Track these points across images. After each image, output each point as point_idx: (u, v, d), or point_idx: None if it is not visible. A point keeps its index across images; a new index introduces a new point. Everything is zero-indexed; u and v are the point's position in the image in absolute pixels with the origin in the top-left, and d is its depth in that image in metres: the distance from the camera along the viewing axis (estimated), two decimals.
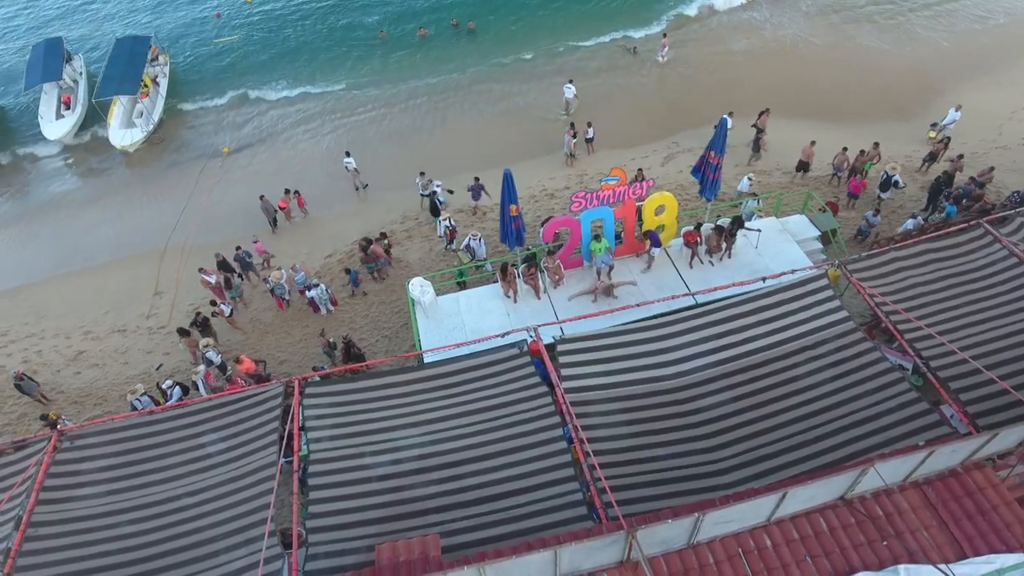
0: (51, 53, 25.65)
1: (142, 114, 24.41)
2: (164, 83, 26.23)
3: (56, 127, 24.53)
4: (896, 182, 18.33)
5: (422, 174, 20.33)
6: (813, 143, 20.23)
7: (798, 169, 20.57)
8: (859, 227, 17.94)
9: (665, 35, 26.90)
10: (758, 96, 23.17)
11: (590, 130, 22.24)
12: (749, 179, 19.02)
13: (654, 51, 26.73)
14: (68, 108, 25.16)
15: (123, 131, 23.97)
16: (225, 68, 27.96)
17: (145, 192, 23.20)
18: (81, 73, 26.49)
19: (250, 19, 30.41)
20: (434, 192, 19.61)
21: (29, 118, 25.84)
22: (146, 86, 25.09)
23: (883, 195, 18.72)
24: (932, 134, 21.44)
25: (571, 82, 24.39)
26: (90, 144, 25.24)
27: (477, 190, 19.87)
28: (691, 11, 29.28)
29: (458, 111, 25.26)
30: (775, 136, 21.76)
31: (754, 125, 21.39)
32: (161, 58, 27.01)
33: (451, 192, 20.11)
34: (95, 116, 25.15)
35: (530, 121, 24.41)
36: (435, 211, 19.56)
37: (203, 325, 16.85)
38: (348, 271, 18.01)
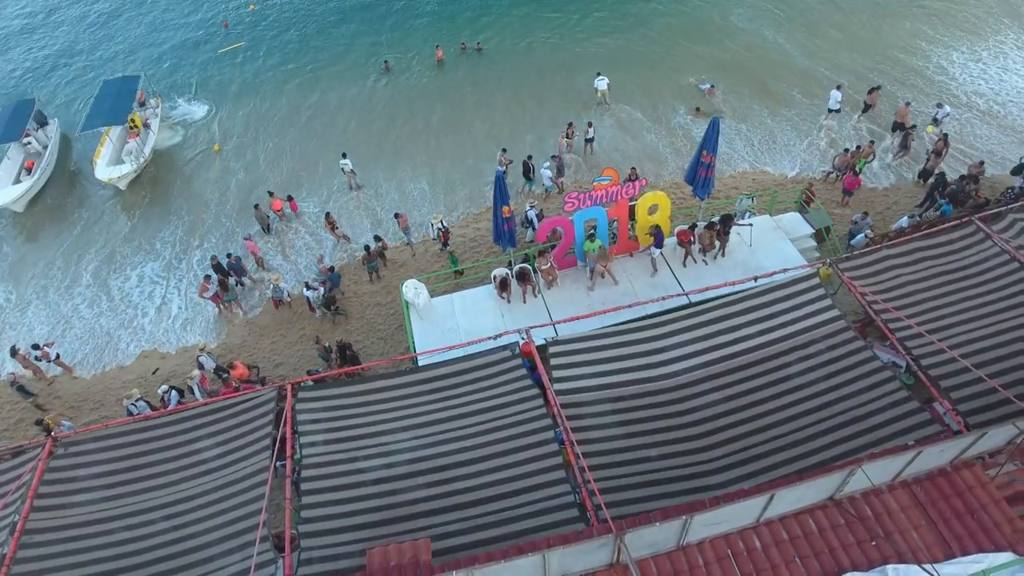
0: (17, 114, 23.91)
1: (131, 152, 23.20)
2: (156, 124, 25.11)
3: (4, 193, 22.21)
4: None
5: (504, 151, 21.37)
6: (908, 104, 21.12)
7: (893, 130, 21.16)
8: (851, 228, 17.86)
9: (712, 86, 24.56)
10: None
11: (591, 130, 22.04)
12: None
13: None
14: (29, 174, 23.03)
15: (110, 167, 22.62)
16: (225, 82, 27.70)
17: (145, 209, 22.75)
18: (51, 138, 24.59)
19: (255, 29, 30.36)
20: (531, 164, 20.76)
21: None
22: (136, 126, 23.93)
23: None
24: (931, 128, 21.39)
25: (600, 74, 23.99)
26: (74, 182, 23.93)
27: (559, 167, 20.91)
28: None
29: (459, 115, 24.93)
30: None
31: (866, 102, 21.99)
32: (152, 101, 25.98)
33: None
34: (67, 172, 23.86)
35: (531, 124, 24.30)
36: (527, 173, 20.87)
37: (331, 305, 17.48)
38: (331, 269, 18.17)
